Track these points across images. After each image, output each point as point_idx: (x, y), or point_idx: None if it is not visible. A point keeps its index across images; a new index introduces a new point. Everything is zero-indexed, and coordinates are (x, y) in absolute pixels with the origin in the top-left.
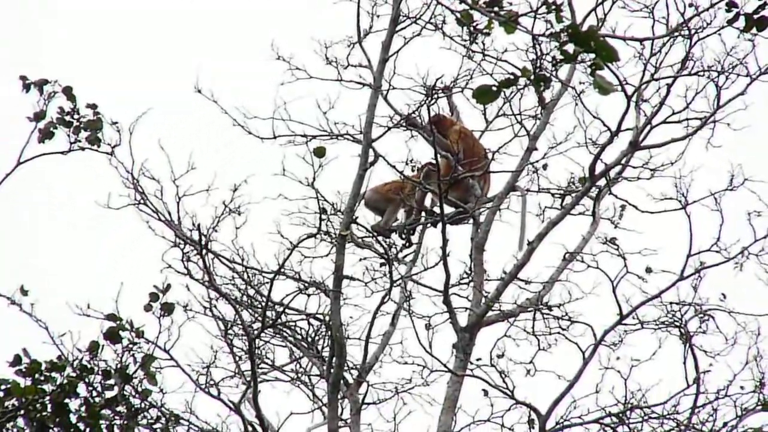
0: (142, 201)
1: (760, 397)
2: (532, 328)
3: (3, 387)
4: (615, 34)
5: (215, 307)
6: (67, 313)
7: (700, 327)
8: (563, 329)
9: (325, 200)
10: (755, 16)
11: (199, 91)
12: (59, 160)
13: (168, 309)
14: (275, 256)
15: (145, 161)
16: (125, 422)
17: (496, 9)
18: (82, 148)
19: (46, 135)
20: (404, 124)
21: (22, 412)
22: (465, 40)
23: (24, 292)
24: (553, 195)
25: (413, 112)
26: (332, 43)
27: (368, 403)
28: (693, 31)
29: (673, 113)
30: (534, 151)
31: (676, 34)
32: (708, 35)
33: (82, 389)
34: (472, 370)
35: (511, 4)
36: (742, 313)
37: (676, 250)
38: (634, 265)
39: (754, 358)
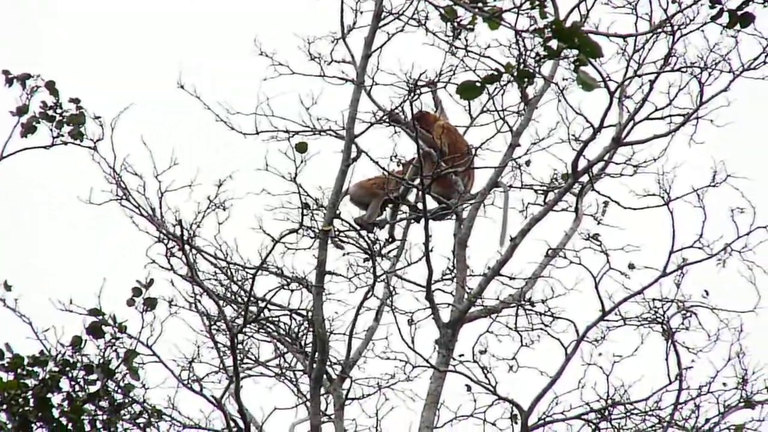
0: (124, 196)
1: (743, 394)
2: (515, 324)
3: None
4: (598, 31)
5: (199, 302)
6: (51, 308)
7: (682, 323)
8: (546, 325)
9: (308, 195)
10: (739, 12)
11: (182, 87)
12: (41, 154)
13: (151, 304)
14: (258, 252)
15: (128, 156)
16: (108, 417)
17: (479, 5)
18: (65, 143)
19: (28, 129)
20: (387, 119)
21: (4, 406)
22: (448, 36)
23: (8, 288)
24: (535, 191)
25: (396, 108)
26: (315, 39)
27: (352, 399)
28: (676, 28)
29: (656, 110)
30: (517, 147)
31: (659, 30)
32: (691, 31)
33: (64, 384)
34: (454, 366)
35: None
36: (724, 310)
37: (659, 247)
38: (617, 262)
39: (737, 355)
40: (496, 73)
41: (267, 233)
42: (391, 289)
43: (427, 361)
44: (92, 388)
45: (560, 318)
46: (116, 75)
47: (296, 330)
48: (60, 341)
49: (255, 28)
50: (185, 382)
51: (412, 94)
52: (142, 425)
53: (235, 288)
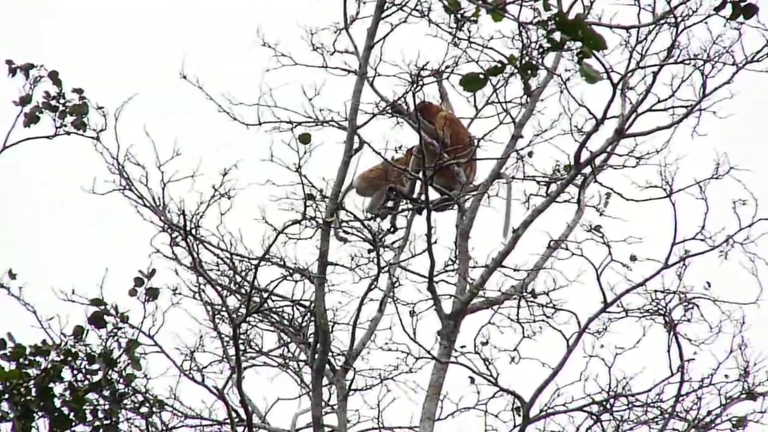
0: (127, 186)
1: (745, 386)
2: (517, 315)
3: None
4: (601, 22)
5: (203, 291)
6: (53, 299)
7: (684, 315)
8: (548, 317)
9: (313, 186)
10: (742, 4)
11: (185, 77)
12: (45, 145)
13: (153, 294)
14: (260, 244)
15: (131, 147)
16: (109, 407)
17: None
18: (68, 133)
19: (31, 119)
20: (390, 110)
21: (6, 396)
22: (451, 28)
23: (12, 276)
24: (538, 182)
25: (399, 99)
26: (318, 30)
27: (354, 390)
28: (679, 19)
29: (659, 101)
30: (519, 138)
31: (663, 21)
32: (694, 23)
33: (66, 374)
34: (456, 357)
35: None
36: (726, 302)
37: (661, 239)
38: (619, 253)
39: (739, 347)
40: (499, 64)
41: (270, 224)
42: (394, 280)
43: (428, 352)
44: (94, 378)
45: (562, 310)
46: (118, 71)
47: (299, 321)
48: (63, 331)
49: (258, 19)
50: (187, 372)
51: (415, 85)
52: (144, 415)
53: (238, 278)
